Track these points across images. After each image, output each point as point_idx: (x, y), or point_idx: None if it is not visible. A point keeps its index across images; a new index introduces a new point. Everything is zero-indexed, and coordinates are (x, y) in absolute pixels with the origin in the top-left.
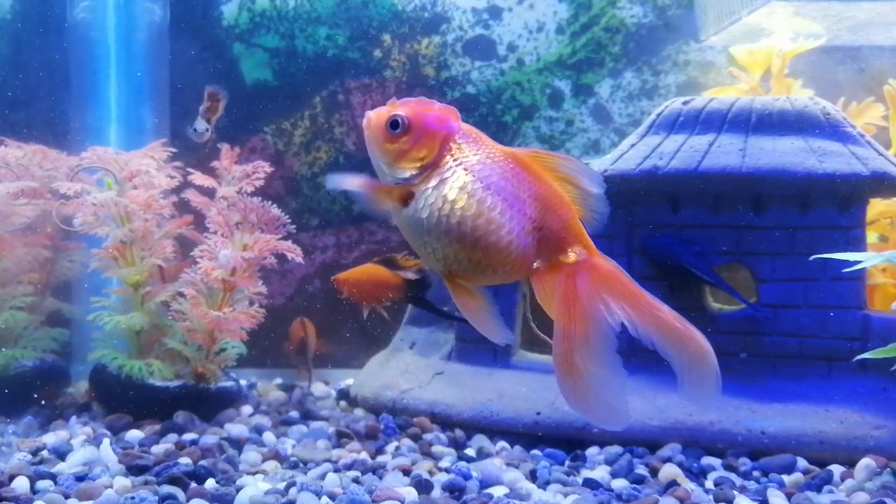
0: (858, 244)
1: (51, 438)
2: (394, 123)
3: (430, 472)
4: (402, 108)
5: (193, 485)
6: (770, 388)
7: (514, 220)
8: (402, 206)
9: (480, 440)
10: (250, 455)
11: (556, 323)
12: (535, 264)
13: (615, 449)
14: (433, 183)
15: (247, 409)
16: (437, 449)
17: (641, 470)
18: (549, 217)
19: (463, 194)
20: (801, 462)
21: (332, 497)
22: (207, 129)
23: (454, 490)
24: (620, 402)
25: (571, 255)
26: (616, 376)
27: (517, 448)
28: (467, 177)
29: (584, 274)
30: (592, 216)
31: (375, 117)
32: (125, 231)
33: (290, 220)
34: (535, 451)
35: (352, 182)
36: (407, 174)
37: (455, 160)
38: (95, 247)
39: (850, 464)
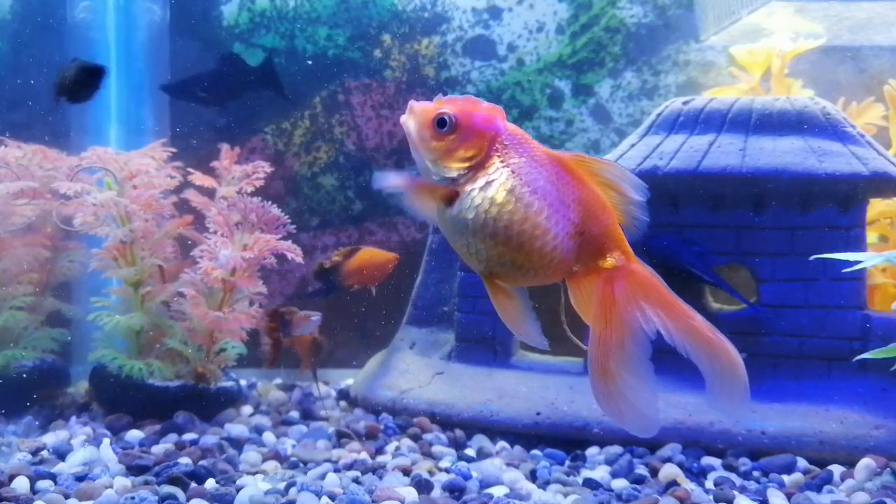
0: (858, 244)
1: (51, 438)
2: (441, 122)
3: (430, 472)
4: (449, 105)
5: (193, 485)
6: (770, 388)
7: (558, 224)
8: (445, 205)
9: (480, 440)
10: (250, 455)
11: (593, 328)
12: (573, 267)
13: (615, 449)
14: (479, 184)
15: (247, 409)
16: (437, 449)
17: (641, 470)
18: (591, 222)
19: (511, 197)
20: (801, 462)
21: (332, 497)
22: None
23: (454, 490)
24: (652, 409)
25: (610, 261)
26: (649, 383)
27: (517, 448)
28: (514, 180)
29: (622, 280)
30: (632, 222)
31: (422, 113)
32: (125, 231)
33: (290, 220)
34: (535, 451)
35: (397, 181)
36: (453, 174)
37: (502, 161)
38: (95, 247)
39: (850, 464)
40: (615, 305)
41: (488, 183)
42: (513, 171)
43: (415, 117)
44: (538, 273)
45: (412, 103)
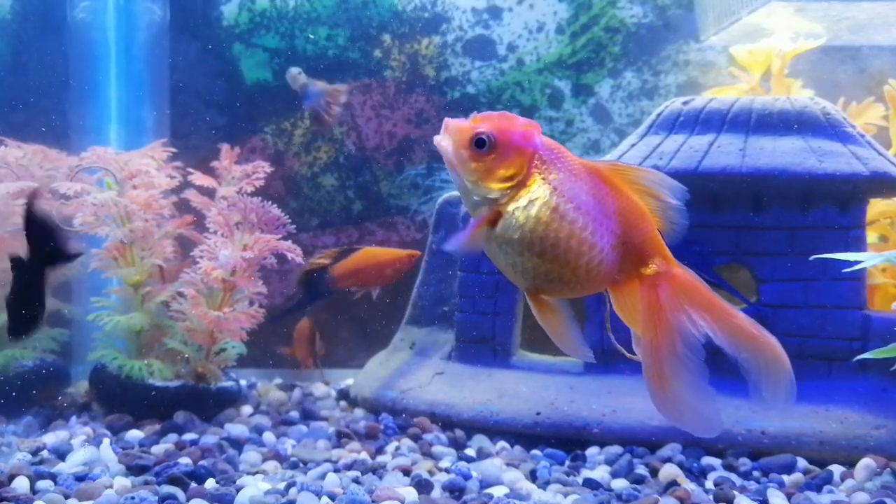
0: (858, 244)
1: (51, 438)
2: (479, 142)
3: (430, 472)
4: (485, 123)
5: (193, 485)
6: None
7: (603, 237)
8: (490, 227)
9: (480, 440)
10: (250, 455)
11: (643, 336)
12: (616, 277)
13: (615, 449)
14: (522, 203)
15: (247, 409)
16: (437, 449)
17: (641, 470)
18: (632, 231)
19: (555, 215)
20: (801, 462)
21: (332, 497)
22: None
23: (454, 490)
24: (711, 410)
25: (652, 267)
26: (705, 384)
27: (517, 448)
28: (557, 196)
29: (665, 285)
30: (671, 227)
31: (458, 132)
32: (125, 231)
33: (290, 220)
34: (535, 451)
35: (464, 242)
36: (494, 194)
37: (542, 178)
38: (95, 247)
39: (850, 464)
40: (662, 311)
41: (531, 202)
42: (554, 188)
43: (451, 137)
44: (584, 286)
45: (447, 121)
